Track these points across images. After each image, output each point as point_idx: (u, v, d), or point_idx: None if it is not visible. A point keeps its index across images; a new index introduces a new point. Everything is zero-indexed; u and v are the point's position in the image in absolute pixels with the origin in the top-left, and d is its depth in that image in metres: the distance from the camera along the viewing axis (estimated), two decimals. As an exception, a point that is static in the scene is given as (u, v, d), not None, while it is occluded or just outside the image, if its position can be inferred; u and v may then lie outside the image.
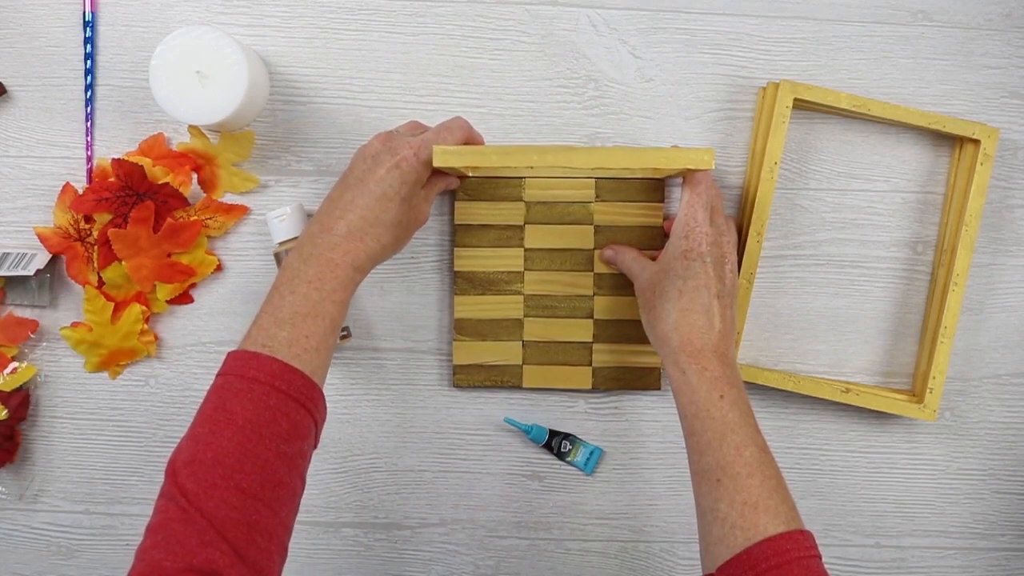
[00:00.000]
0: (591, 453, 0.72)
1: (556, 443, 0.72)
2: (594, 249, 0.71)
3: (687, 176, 0.65)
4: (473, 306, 0.71)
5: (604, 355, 0.72)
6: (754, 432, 0.58)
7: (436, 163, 0.58)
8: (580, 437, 0.73)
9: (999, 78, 0.72)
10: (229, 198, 0.71)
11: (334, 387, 0.73)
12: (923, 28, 0.72)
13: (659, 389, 0.72)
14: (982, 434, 0.74)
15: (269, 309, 0.57)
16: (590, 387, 0.72)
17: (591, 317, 0.72)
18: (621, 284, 0.71)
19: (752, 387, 0.73)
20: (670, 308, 0.61)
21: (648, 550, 0.74)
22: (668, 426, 0.73)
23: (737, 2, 0.72)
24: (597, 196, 0.71)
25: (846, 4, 0.72)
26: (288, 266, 0.59)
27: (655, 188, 0.71)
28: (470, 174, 0.70)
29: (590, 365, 0.72)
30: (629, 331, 0.72)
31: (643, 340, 0.71)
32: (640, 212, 0.71)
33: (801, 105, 0.70)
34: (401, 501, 0.74)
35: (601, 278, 0.71)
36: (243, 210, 0.71)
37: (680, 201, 0.65)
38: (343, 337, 0.70)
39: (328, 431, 0.73)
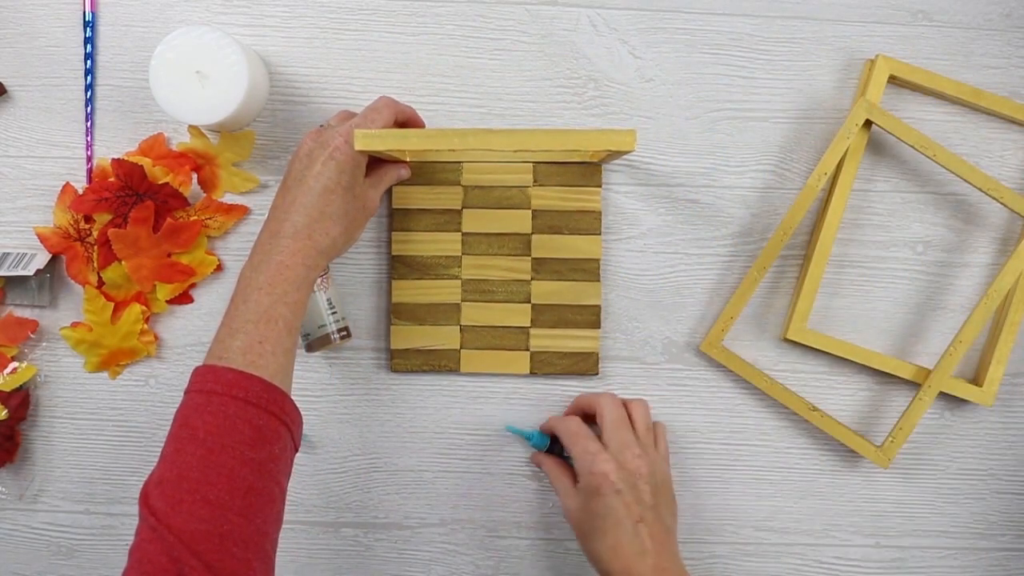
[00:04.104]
0: None
1: (559, 448, 0.72)
2: (532, 234, 0.71)
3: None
4: (410, 290, 0.71)
5: (542, 340, 0.72)
6: None
7: (357, 146, 0.58)
8: None
9: (999, 78, 0.72)
10: (229, 198, 0.71)
11: (334, 387, 0.73)
12: (923, 28, 0.72)
13: (597, 374, 0.72)
14: (982, 434, 0.74)
15: (225, 322, 0.58)
16: (528, 372, 0.72)
17: (528, 302, 0.72)
18: (559, 269, 0.71)
19: (749, 385, 0.73)
20: (600, 547, 0.62)
21: (648, 550, 0.74)
22: (668, 426, 0.73)
23: (737, 2, 0.72)
24: (535, 181, 0.71)
25: (846, 4, 0.72)
26: (241, 277, 0.59)
27: (593, 173, 0.71)
28: (407, 158, 0.70)
29: (528, 350, 0.72)
30: (567, 316, 0.72)
31: (580, 324, 0.72)
32: (577, 197, 0.71)
33: (895, 82, 0.70)
34: (401, 501, 0.74)
35: (539, 263, 0.71)
36: (243, 210, 0.71)
37: (563, 438, 0.67)
38: (343, 337, 0.70)
39: (328, 431, 0.73)
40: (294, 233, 0.59)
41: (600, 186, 0.71)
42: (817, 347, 0.71)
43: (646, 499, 0.63)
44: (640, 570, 0.60)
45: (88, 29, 0.70)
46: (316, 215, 0.60)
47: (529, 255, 0.72)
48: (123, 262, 0.69)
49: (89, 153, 0.71)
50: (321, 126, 0.63)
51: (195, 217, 0.70)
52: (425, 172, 0.71)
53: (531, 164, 0.71)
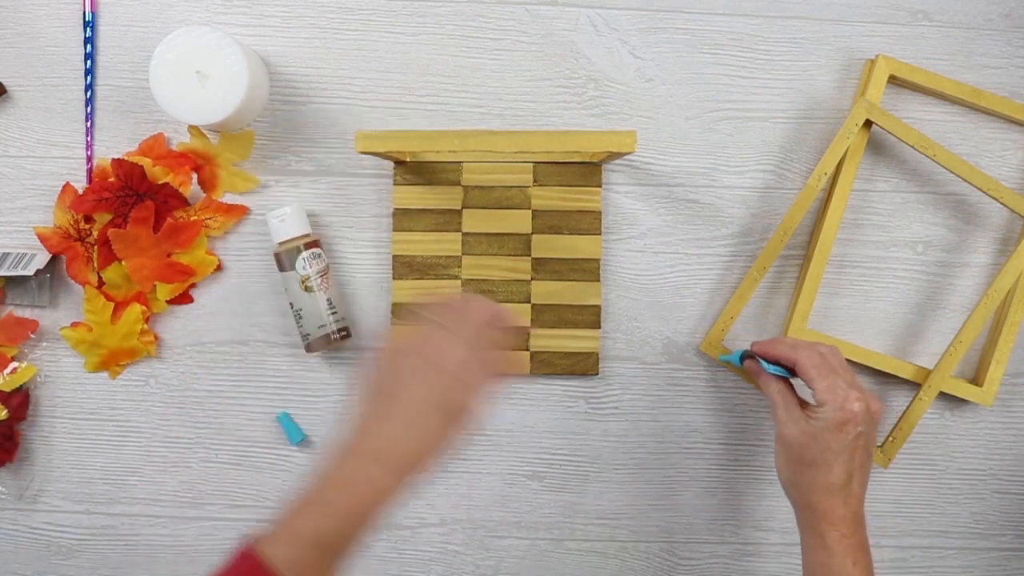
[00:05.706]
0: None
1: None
2: (532, 234, 0.71)
3: (802, 350, 0.62)
4: (410, 290, 0.71)
5: (542, 340, 0.72)
6: None
7: (358, 148, 0.58)
8: None
9: (999, 78, 0.72)
10: (229, 198, 0.71)
11: (334, 387, 0.73)
12: (923, 28, 0.72)
13: (597, 374, 0.72)
14: (982, 434, 0.74)
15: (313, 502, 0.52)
16: (528, 372, 0.72)
17: (528, 302, 0.72)
18: (559, 269, 0.71)
19: (749, 386, 0.73)
20: (819, 480, 0.61)
21: (648, 550, 0.74)
22: (668, 426, 0.74)
23: (737, 2, 0.72)
24: (535, 181, 0.71)
25: (846, 4, 0.72)
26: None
27: (593, 173, 0.71)
28: (408, 158, 0.70)
29: (528, 350, 0.72)
30: (566, 316, 0.72)
31: (580, 324, 0.71)
32: (577, 197, 0.71)
33: (895, 82, 0.71)
34: (401, 501, 0.74)
35: (539, 263, 0.72)
36: (243, 210, 0.71)
37: (808, 371, 0.61)
38: (343, 337, 0.70)
39: (328, 431, 0.73)
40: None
41: (600, 186, 0.71)
42: None
43: (872, 447, 0.62)
44: (842, 514, 0.61)
45: (88, 29, 0.70)
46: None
47: (529, 255, 0.72)
48: (123, 262, 0.69)
49: (89, 153, 0.71)
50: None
51: (195, 217, 0.70)
52: (425, 172, 0.71)
53: (531, 164, 0.71)
